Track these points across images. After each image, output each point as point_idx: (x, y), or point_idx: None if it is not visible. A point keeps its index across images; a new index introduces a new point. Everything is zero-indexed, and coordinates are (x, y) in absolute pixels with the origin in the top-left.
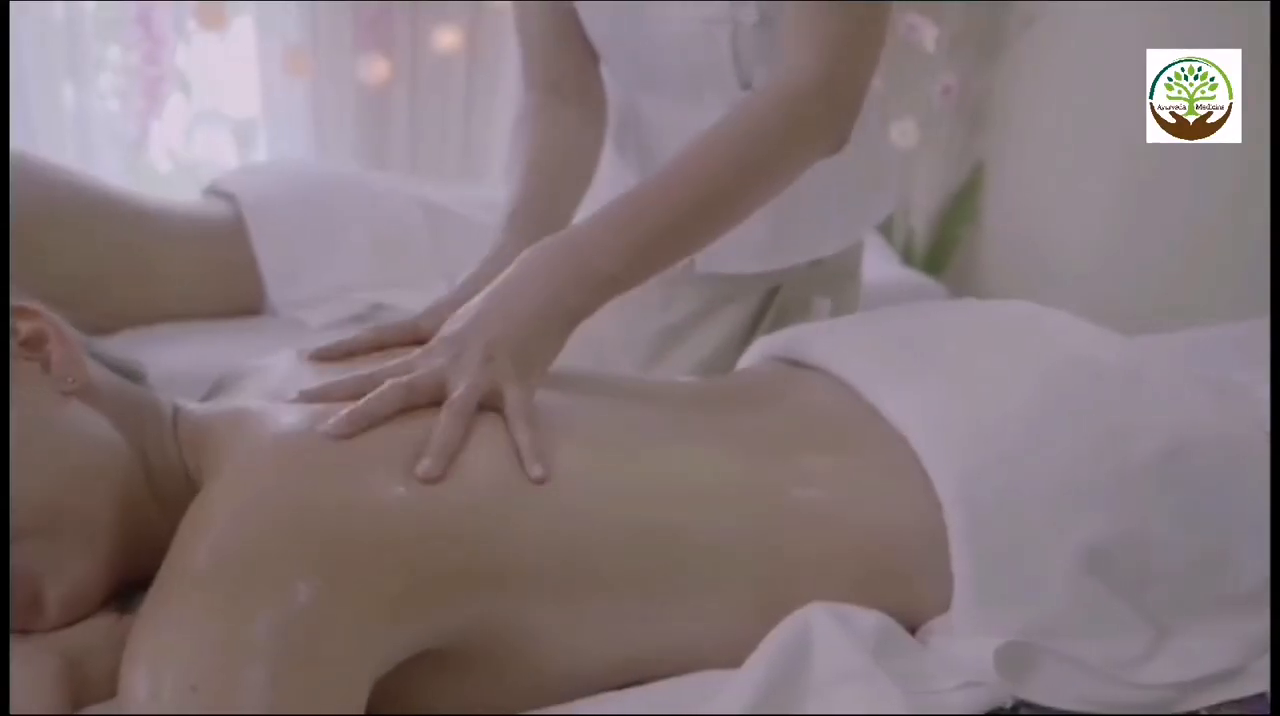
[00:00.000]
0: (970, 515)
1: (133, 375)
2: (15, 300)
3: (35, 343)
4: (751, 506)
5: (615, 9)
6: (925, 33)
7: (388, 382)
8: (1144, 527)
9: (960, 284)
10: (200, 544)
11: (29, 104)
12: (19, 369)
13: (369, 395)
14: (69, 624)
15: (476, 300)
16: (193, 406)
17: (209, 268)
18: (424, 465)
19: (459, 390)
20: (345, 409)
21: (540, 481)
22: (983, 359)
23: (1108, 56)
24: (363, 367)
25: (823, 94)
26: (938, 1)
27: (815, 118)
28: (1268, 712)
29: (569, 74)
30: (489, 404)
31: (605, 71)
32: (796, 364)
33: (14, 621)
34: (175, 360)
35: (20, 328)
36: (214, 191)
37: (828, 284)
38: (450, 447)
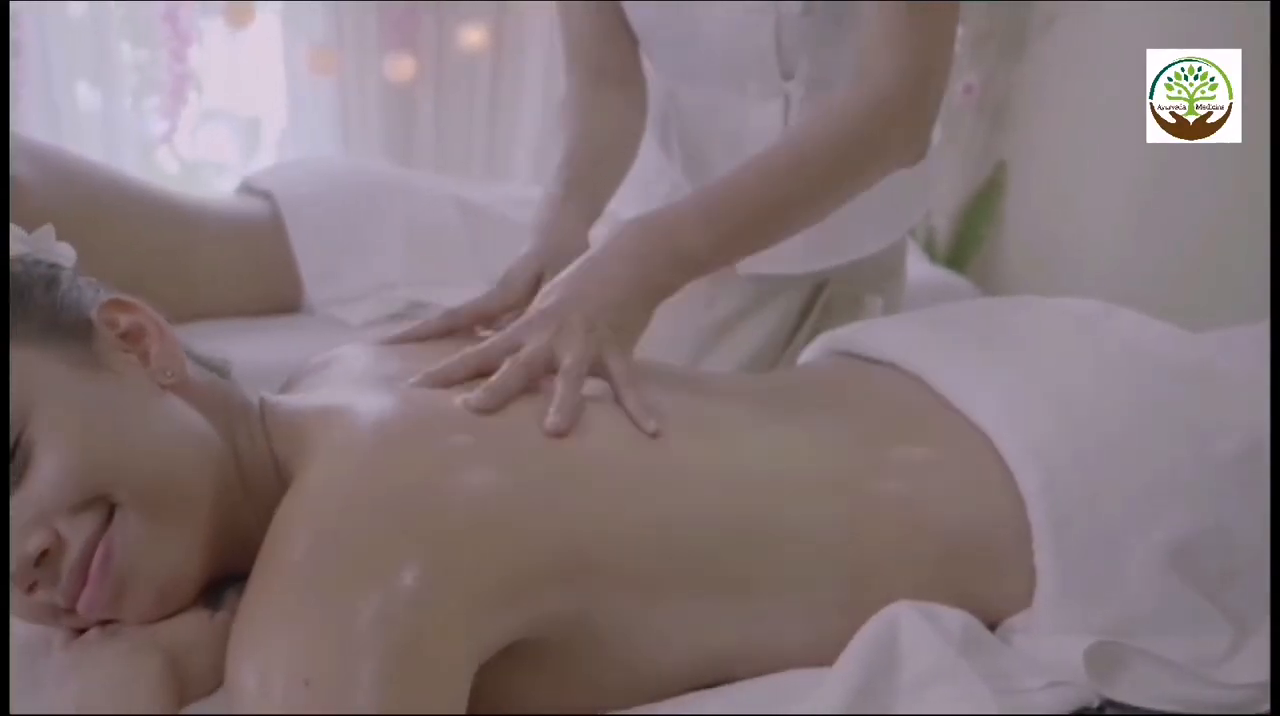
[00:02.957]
0: (1054, 511)
1: (220, 370)
2: (111, 293)
3: (134, 336)
4: (838, 499)
5: (659, 2)
6: None
7: (507, 362)
8: (1224, 525)
9: (981, 282)
10: (300, 536)
11: (55, 102)
12: (117, 360)
13: (498, 373)
14: (162, 617)
15: (568, 274)
16: (279, 399)
17: (247, 266)
18: (552, 420)
19: (568, 359)
20: (465, 386)
21: (655, 435)
22: (1058, 355)
23: (1129, 56)
24: (454, 346)
25: (910, 98)
26: (961, 1)
27: (902, 121)
28: None
29: (613, 60)
30: (593, 372)
31: (649, 67)
32: (864, 359)
33: (104, 609)
34: None
35: (120, 320)
36: (248, 189)
37: (873, 281)
38: (573, 405)
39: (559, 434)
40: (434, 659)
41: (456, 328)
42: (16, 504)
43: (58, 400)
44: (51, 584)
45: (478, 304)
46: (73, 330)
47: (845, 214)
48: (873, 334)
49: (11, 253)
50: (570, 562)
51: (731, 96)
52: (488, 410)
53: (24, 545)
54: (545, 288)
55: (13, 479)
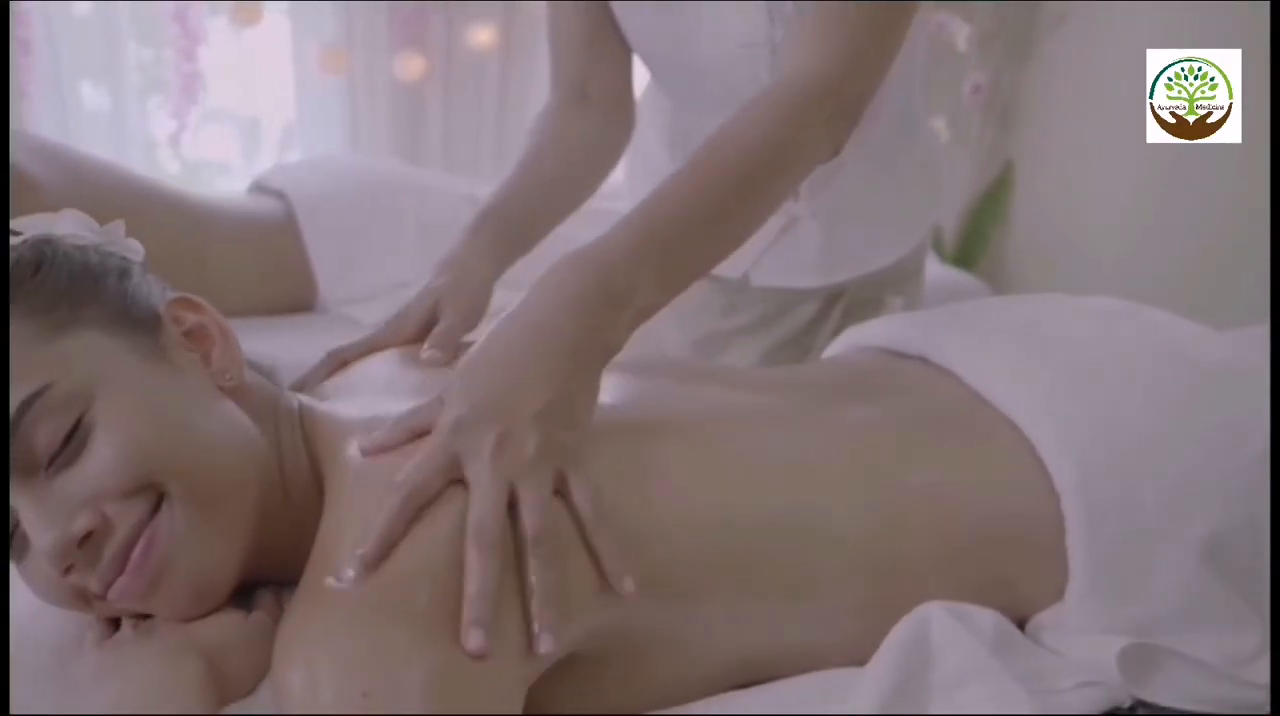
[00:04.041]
0: (1089, 505)
1: (269, 374)
2: (177, 292)
3: (198, 336)
4: (870, 490)
5: (655, 32)
6: (956, 31)
7: (471, 554)
8: (1254, 521)
9: (989, 282)
10: (350, 547)
11: (64, 101)
12: (180, 357)
13: (469, 577)
14: (194, 616)
15: (500, 341)
16: (314, 403)
17: (260, 265)
18: (543, 640)
19: (532, 516)
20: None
21: (634, 598)
22: (1088, 351)
23: (1136, 56)
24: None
25: (823, 99)
26: (969, 1)
27: (814, 123)
28: None
29: (598, 78)
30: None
31: (654, 84)
32: (891, 353)
33: (138, 599)
34: None
35: (185, 318)
36: (259, 188)
37: (893, 284)
38: (557, 600)
39: (544, 652)
40: (490, 675)
41: (346, 366)
42: (67, 482)
43: (122, 386)
44: (89, 567)
45: (369, 340)
46: (142, 322)
47: (856, 229)
48: (900, 328)
49: (84, 242)
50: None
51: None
52: (487, 622)
53: (70, 525)
54: (470, 352)
55: (66, 458)
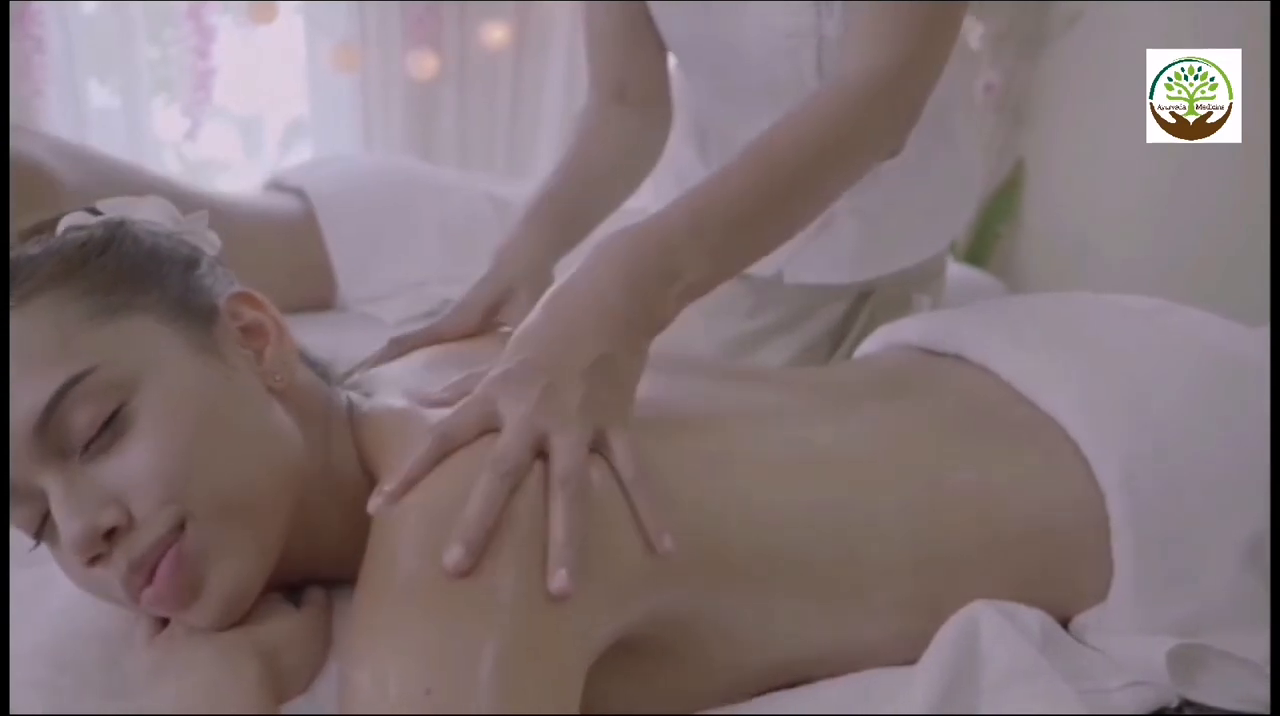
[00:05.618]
0: (1134, 503)
1: (325, 373)
2: (242, 287)
3: (254, 332)
4: (914, 488)
5: (695, 21)
6: (969, 30)
7: (484, 478)
8: None
9: (1000, 280)
10: (411, 542)
11: (77, 100)
12: (233, 353)
13: (473, 498)
14: (226, 623)
15: (549, 304)
16: (364, 402)
17: (279, 263)
18: (559, 577)
19: (562, 459)
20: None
21: (670, 554)
22: (1126, 347)
23: (1145, 56)
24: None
25: (882, 97)
26: (982, 0)
27: (872, 120)
28: None
29: (635, 77)
30: (592, 447)
31: (683, 79)
32: (926, 351)
33: (170, 610)
34: None
35: (244, 313)
36: (277, 186)
37: (918, 283)
38: (581, 540)
39: (565, 594)
40: (551, 663)
41: (403, 355)
42: (99, 472)
43: (169, 379)
44: (111, 560)
45: (431, 330)
46: (199, 313)
47: (893, 225)
48: (934, 325)
49: (160, 229)
50: (680, 562)
51: (768, 119)
52: (469, 569)
53: (96, 516)
54: (525, 321)
55: (101, 446)
